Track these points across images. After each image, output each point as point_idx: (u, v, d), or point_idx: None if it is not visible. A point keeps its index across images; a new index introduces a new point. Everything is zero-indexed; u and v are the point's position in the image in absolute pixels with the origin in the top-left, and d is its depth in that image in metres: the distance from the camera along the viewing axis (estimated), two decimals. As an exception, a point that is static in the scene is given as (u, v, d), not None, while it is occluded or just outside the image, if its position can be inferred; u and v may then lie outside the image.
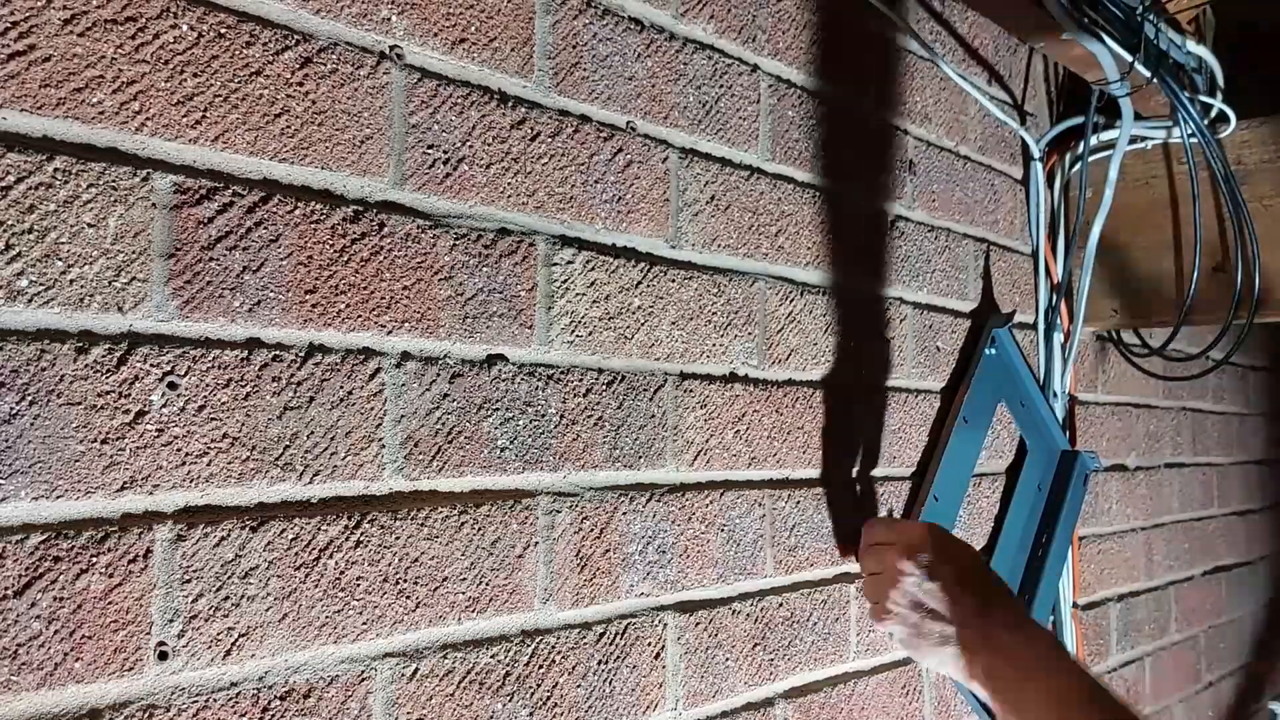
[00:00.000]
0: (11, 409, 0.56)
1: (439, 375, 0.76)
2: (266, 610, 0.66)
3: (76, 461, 0.58)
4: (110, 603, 0.59)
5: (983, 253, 1.43)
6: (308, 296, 0.69)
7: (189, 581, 0.62)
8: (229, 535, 0.64)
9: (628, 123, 0.91)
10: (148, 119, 0.62)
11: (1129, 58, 1.31)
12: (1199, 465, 2.13)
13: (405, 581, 0.73)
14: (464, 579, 0.77)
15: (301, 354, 0.69)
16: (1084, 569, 1.64)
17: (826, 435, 1.12)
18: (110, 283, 0.60)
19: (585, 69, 0.88)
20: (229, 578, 0.64)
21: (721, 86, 1.01)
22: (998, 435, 1.43)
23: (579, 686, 0.84)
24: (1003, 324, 1.36)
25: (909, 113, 1.29)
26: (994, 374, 1.36)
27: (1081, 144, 1.52)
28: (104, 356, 0.60)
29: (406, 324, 0.74)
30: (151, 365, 0.62)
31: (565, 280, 0.85)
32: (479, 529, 0.78)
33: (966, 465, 1.31)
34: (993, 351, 1.35)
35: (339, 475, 0.70)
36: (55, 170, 0.58)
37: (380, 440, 0.72)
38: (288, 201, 0.68)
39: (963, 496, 1.30)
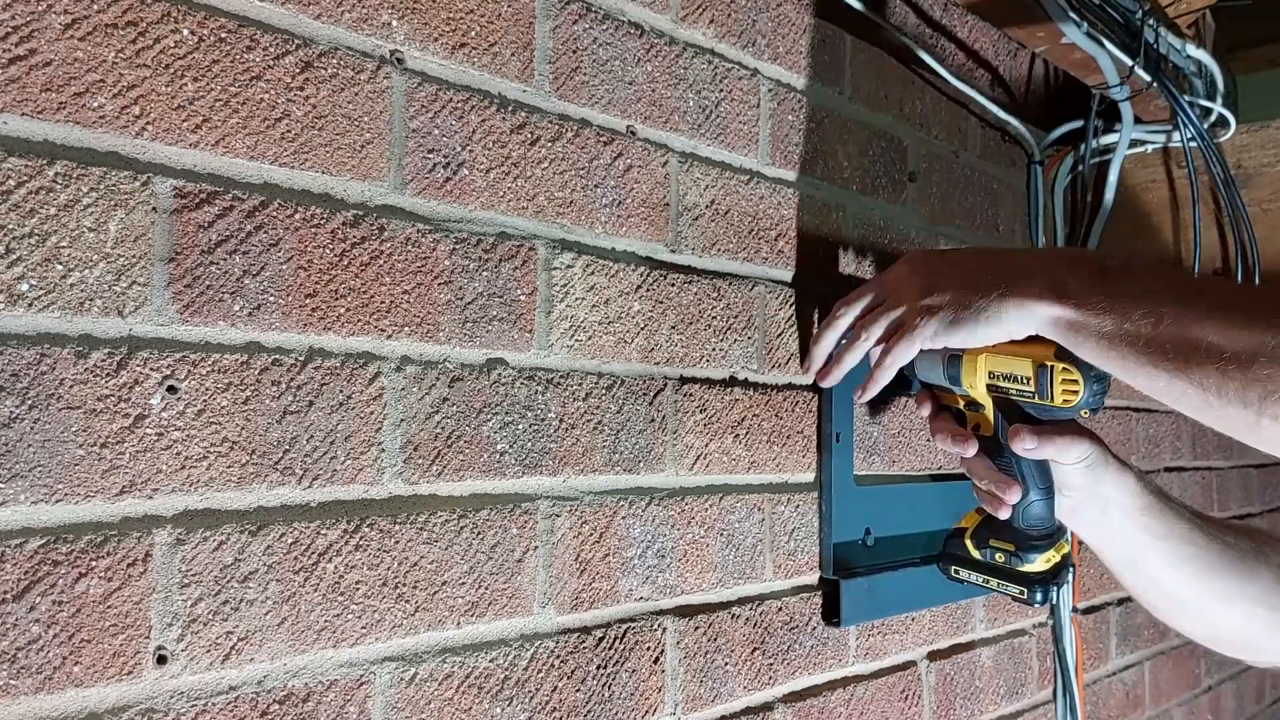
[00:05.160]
0: (11, 413, 0.56)
1: (439, 379, 0.76)
2: (265, 614, 0.66)
3: (76, 465, 0.58)
4: (109, 606, 0.59)
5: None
6: (308, 300, 0.69)
7: (188, 585, 0.62)
8: (228, 539, 0.64)
9: (628, 127, 0.92)
10: (148, 123, 0.62)
11: (1129, 62, 1.31)
12: (1198, 469, 2.13)
13: (404, 585, 0.73)
14: (463, 583, 0.77)
15: (301, 358, 0.69)
16: (1084, 572, 1.64)
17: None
18: (110, 287, 0.60)
19: (585, 73, 0.88)
20: (228, 581, 0.64)
21: (721, 91, 1.01)
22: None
23: (578, 691, 0.84)
24: None
25: (909, 117, 1.29)
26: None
27: (1082, 148, 1.52)
28: (104, 360, 0.60)
29: (406, 328, 0.74)
30: (151, 369, 0.62)
31: (565, 284, 0.85)
32: (478, 533, 0.78)
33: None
34: None
35: (338, 479, 0.70)
36: (56, 174, 0.58)
37: (380, 444, 0.72)
38: (288, 206, 0.68)
39: None
